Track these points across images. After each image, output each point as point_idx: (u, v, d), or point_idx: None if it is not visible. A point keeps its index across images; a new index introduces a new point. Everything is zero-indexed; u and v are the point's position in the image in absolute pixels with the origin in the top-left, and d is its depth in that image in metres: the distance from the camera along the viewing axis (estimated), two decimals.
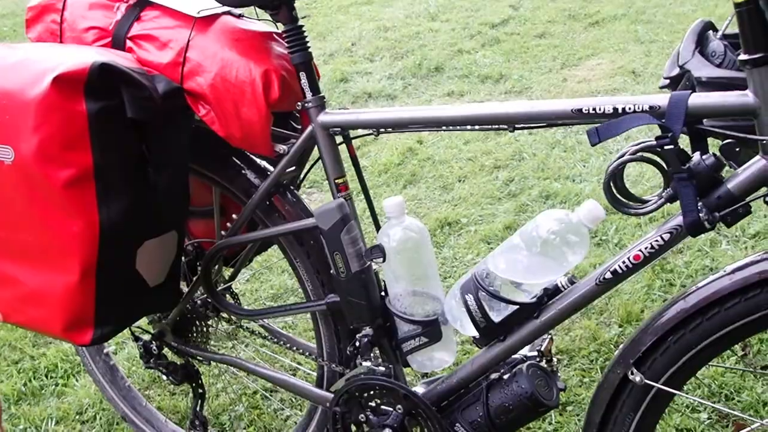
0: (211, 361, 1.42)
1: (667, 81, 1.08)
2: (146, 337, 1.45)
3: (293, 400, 1.72)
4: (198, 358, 1.43)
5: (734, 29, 0.89)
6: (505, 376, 1.13)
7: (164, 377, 1.46)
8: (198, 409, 1.46)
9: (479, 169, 2.73)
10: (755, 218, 2.13)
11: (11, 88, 1.01)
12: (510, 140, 2.90)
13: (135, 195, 1.09)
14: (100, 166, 1.03)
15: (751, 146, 0.88)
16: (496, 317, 1.07)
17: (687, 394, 1.59)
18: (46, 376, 1.91)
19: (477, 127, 1.04)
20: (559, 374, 1.19)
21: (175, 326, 1.40)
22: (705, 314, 0.93)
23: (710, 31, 1.06)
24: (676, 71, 1.05)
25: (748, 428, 1.13)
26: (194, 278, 1.35)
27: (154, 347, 1.43)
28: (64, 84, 0.99)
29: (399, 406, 1.17)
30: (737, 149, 0.89)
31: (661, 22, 3.95)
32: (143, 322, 1.44)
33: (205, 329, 1.42)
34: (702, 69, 1.00)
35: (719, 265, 1.97)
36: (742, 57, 0.83)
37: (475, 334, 1.10)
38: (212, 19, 1.16)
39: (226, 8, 1.17)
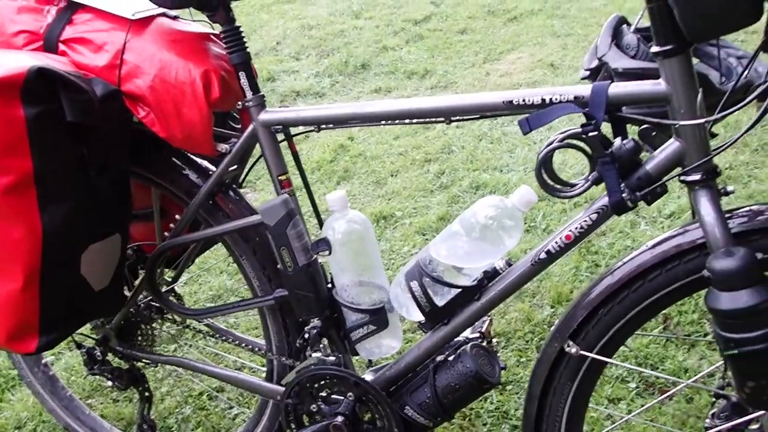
0: (159, 363, 1.43)
1: (588, 72, 1.15)
2: (89, 343, 1.44)
3: (240, 398, 1.74)
4: (145, 361, 1.42)
5: (645, 23, 0.97)
6: (450, 358, 1.18)
7: (109, 383, 1.45)
8: (145, 412, 1.46)
9: (410, 163, 2.79)
10: (670, 199, 2.26)
11: None
12: (439, 134, 2.97)
13: (77, 199, 1.08)
14: (40, 171, 1.03)
15: (666, 130, 0.96)
16: (440, 301, 1.12)
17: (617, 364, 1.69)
18: None
19: (415, 120, 1.09)
20: (498, 354, 1.26)
21: (119, 331, 1.40)
22: (630, 287, 1.01)
23: (624, 26, 1.13)
24: (595, 63, 1.12)
25: (671, 391, 1.22)
26: (137, 281, 1.35)
27: (98, 353, 1.42)
28: (1, 89, 0.98)
29: (350, 393, 1.21)
30: (653, 134, 0.96)
31: (575, 16, 4.11)
32: (85, 328, 1.43)
33: (150, 332, 1.42)
34: (618, 60, 1.07)
35: (640, 244, 2.09)
36: (654, 49, 0.90)
37: (421, 318, 1.15)
38: (148, 20, 1.16)
39: (161, 10, 1.18)
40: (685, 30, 0.85)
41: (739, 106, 0.89)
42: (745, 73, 0.95)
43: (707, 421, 1.09)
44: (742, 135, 0.91)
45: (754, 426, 1.03)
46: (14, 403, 1.80)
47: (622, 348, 1.49)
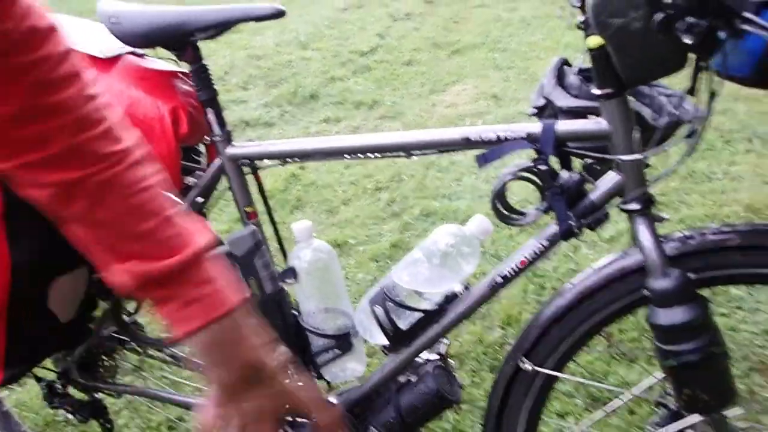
0: (122, 394, 1.44)
1: (535, 110, 1.24)
2: (50, 376, 1.45)
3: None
4: (107, 392, 1.44)
5: (586, 65, 1.06)
6: (413, 379, 1.24)
7: (70, 416, 1.45)
8: None
9: (362, 192, 2.87)
10: (609, 225, 2.38)
11: None
12: (389, 163, 3.06)
13: (46, 233, 1.11)
14: (9, 205, 1.05)
15: (607, 164, 1.06)
16: (403, 325, 1.18)
17: (565, 380, 1.78)
18: None
19: (379, 155, 1.16)
20: (456, 374, 1.32)
21: (81, 363, 1.41)
22: (578, 307, 1.09)
23: (566, 66, 1.23)
24: (541, 101, 1.21)
25: (613, 405, 1.31)
26: (99, 313, 1.36)
27: (59, 386, 1.43)
28: None
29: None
30: (597, 167, 1.06)
31: (515, 50, 4.29)
32: (45, 362, 1.44)
33: (111, 364, 1.43)
34: (562, 99, 1.16)
35: (582, 267, 2.20)
36: (596, 92, 1.00)
37: (385, 342, 1.21)
38: (115, 59, 1.20)
39: (129, 48, 1.22)
40: (623, 76, 0.95)
41: (669, 142, 0.98)
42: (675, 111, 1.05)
43: (648, 428, 1.19)
44: (673, 169, 1.02)
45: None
46: None
47: (571, 366, 1.59)
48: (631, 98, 1.09)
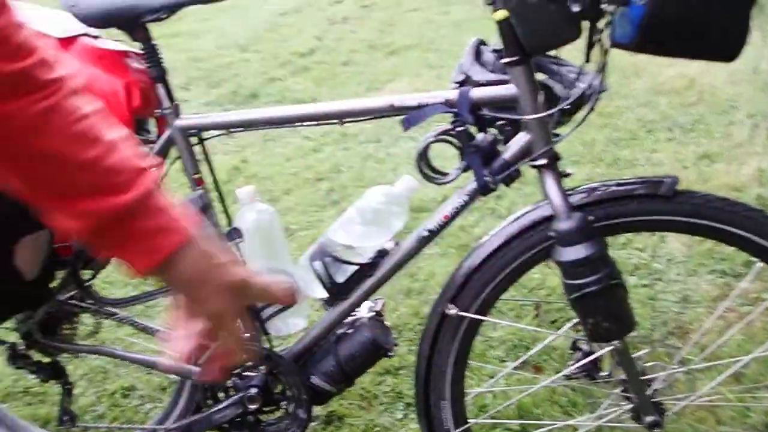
0: (81, 354, 1.51)
1: (456, 85, 1.38)
2: (12, 338, 1.51)
3: (152, 394, 1.83)
4: (67, 353, 1.51)
5: (500, 45, 1.21)
6: (350, 330, 1.36)
7: (31, 376, 1.52)
8: (66, 404, 1.54)
9: (303, 182, 2.97)
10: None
11: None
12: (328, 155, 3.17)
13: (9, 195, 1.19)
14: None
15: (518, 127, 1.20)
16: (340, 278, 1.30)
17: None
18: None
19: (313, 123, 1.28)
20: (391, 330, 1.44)
21: (42, 325, 1.48)
22: (496, 254, 1.23)
23: (483, 46, 1.38)
24: (461, 77, 1.35)
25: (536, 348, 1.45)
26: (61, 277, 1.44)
27: (21, 347, 1.50)
28: None
29: (262, 366, 1.36)
30: (508, 128, 1.20)
31: (447, 50, 4.46)
32: (7, 326, 1.50)
33: (71, 326, 1.51)
34: (479, 74, 1.30)
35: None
36: (504, 60, 1.14)
37: (324, 295, 1.32)
38: (73, 39, 1.29)
39: (85, 30, 1.31)
40: (526, 45, 1.09)
41: (562, 105, 1.13)
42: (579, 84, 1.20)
43: (566, 370, 1.34)
44: (572, 131, 1.17)
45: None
46: None
47: (492, 343, 1.73)
48: (543, 76, 1.25)
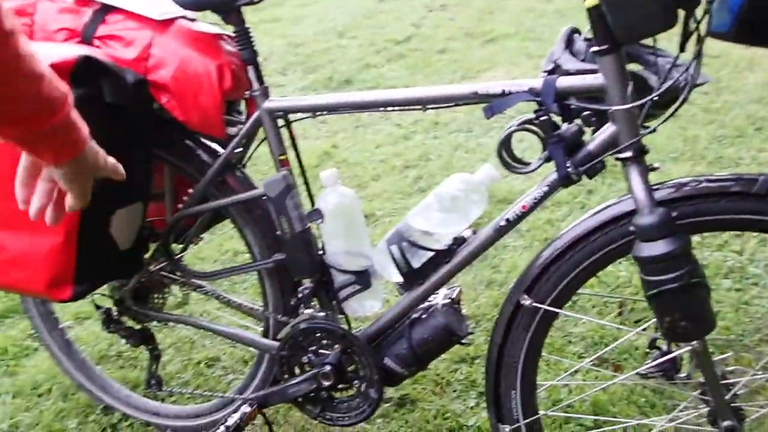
0: (169, 322, 1.60)
1: (545, 74, 1.36)
2: (108, 304, 1.61)
3: (235, 365, 1.91)
4: (156, 321, 1.60)
5: None
6: (424, 315, 1.37)
7: (123, 341, 1.62)
8: (154, 369, 1.63)
9: (391, 169, 3.00)
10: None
11: None
12: (417, 143, 3.18)
13: None
14: None
15: (604, 118, 1.17)
16: (416, 263, 1.31)
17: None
18: None
19: (397, 108, 1.29)
20: (470, 333, 1.43)
21: (134, 293, 1.57)
22: (575, 248, 1.21)
23: (575, 35, 1.35)
24: (551, 66, 1.32)
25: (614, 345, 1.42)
26: (152, 249, 1.52)
27: (115, 313, 1.60)
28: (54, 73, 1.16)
29: (337, 345, 1.40)
30: (593, 119, 1.17)
31: (548, 39, 4.37)
32: (101, 291, 1.60)
33: (161, 296, 1.60)
34: (570, 63, 1.28)
35: None
36: (594, 49, 1.12)
37: (400, 279, 1.34)
38: (170, 22, 1.35)
39: (182, 13, 1.37)
40: (616, 33, 1.06)
41: (651, 96, 1.09)
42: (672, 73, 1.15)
43: (641, 368, 1.30)
44: (662, 122, 1.13)
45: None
46: (29, 368, 1.96)
47: (571, 339, 1.70)
48: (638, 66, 1.21)
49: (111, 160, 0.99)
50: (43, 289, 1.28)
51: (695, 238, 2.19)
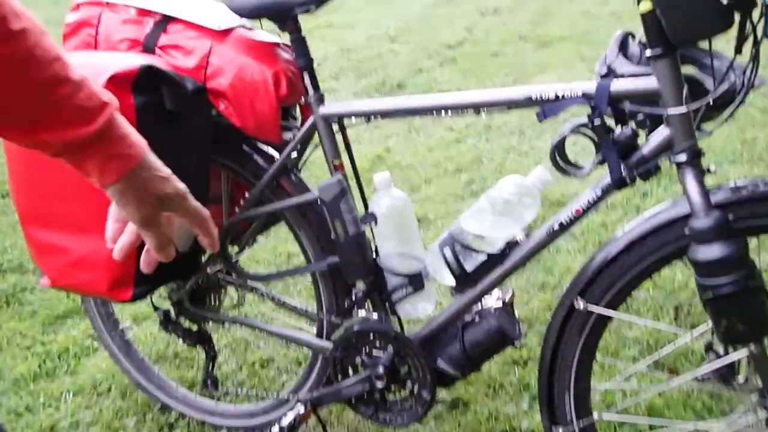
0: (225, 323, 1.65)
1: (599, 78, 1.36)
2: (166, 306, 1.67)
3: (289, 367, 1.95)
4: (213, 321, 1.65)
5: None
6: (477, 318, 1.38)
7: (180, 341, 1.68)
8: (210, 369, 1.68)
9: (443, 173, 3.01)
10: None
11: None
12: (470, 147, 3.19)
13: (172, 170, 1.31)
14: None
15: (659, 121, 1.16)
16: (469, 266, 1.32)
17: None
18: (59, 358, 2.09)
19: (450, 112, 1.31)
20: (522, 335, 1.43)
21: (191, 295, 1.63)
22: (629, 251, 1.20)
23: (630, 38, 1.34)
24: (605, 70, 1.32)
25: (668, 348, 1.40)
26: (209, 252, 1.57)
27: (173, 314, 1.65)
28: (117, 81, 1.22)
29: (390, 347, 1.42)
30: (647, 122, 1.16)
31: (603, 42, 4.24)
32: (159, 293, 1.65)
33: (217, 297, 1.64)
34: (624, 67, 1.27)
35: None
36: (648, 53, 1.11)
37: (452, 282, 1.35)
38: (228, 31, 1.40)
39: (240, 22, 1.41)
40: (671, 37, 1.06)
41: (706, 99, 1.08)
42: (729, 76, 1.14)
43: (697, 372, 1.28)
44: (718, 126, 1.11)
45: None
46: (90, 367, 2.04)
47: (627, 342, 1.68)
48: (693, 68, 1.20)
49: (195, 204, 0.93)
50: (105, 290, 1.33)
51: (754, 241, 2.15)
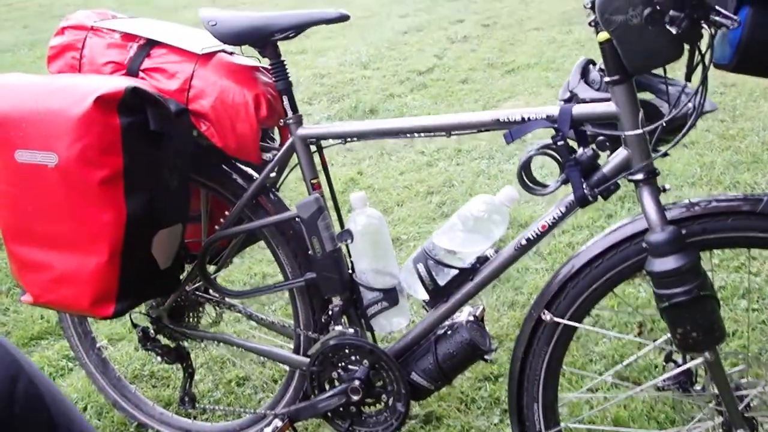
0: (204, 339, 1.68)
1: (562, 102, 1.44)
2: (145, 323, 1.70)
3: (265, 385, 1.98)
4: (192, 338, 1.68)
5: None
6: (449, 331, 1.44)
7: (158, 358, 1.70)
8: (188, 386, 1.71)
9: (415, 195, 3.08)
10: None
11: (58, 107, 1.28)
12: (441, 170, 3.27)
13: (154, 192, 1.36)
14: (128, 167, 1.30)
15: (617, 143, 1.24)
16: (442, 281, 1.38)
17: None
18: None
19: (422, 134, 1.37)
20: (493, 351, 1.49)
21: (170, 312, 1.66)
22: (592, 264, 1.27)
23: (591, 65, 1.42)
24: (567, 95, 1.40)
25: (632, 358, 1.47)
26: (188, 270, 1.61)
27: (152, 331, 1.68)
28: (103, 103, 1.26)
29: (365, 360, 1.46)
30: (607, 144, 1.24)
31: (568, 69, 4.41)
32: (139, 310, 1.68)
33: (196, 314, 1.68)
34: (585, 92, 1.35)
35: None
36: (606, 79, 1.19)
37: (426, 297, 1.41)
38: (211, 55, 1.46)
39: (222, 47, 1.47)
40: (627, 65, 1.14)
41: (659, 122, 1.16)
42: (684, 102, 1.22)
43: (656, 380, 1.35)
44: (671, 146, 1.20)
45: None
46: (65, 387, 2.04)
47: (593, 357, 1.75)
48: (650, 95, 1.28)
49: None
50: (87, 305, 1.36)
51: (713, 260, 2.25)
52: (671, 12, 1.00)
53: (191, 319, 1.70)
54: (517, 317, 2.18)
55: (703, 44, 1.09)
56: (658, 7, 1.01)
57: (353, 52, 5.45)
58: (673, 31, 1.01)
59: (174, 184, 1.41)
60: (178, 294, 1.63)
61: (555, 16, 5.76)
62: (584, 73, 1.39)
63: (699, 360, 1.21)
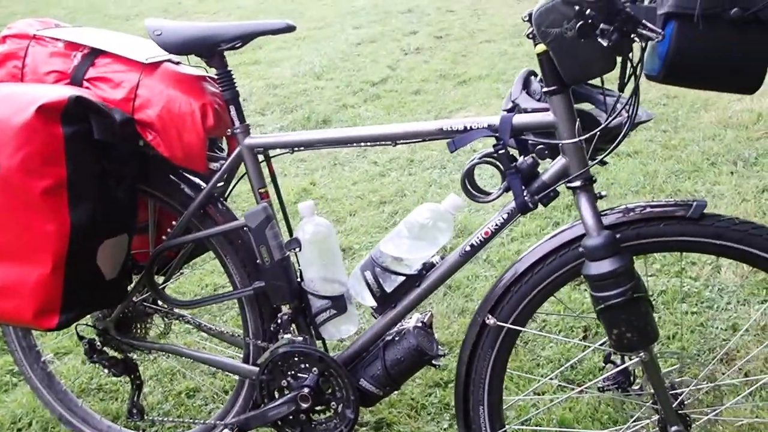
0: (152, 351, 1.67)
1: (505, 112, 1.48)
2: (91, 335, 1.68)
3: (215, 396, 1.97)
4: (140, 349, 1.66)
5: None
6: (397, 337, 1.46)
7: (105, 371, 1.68)
8: (136, 399, 1.69)
9: (367, 205, 3.10)
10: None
11: None
12: (393, 180, 3.30)
13: (99, 202, 1.35)
14: (72, 177, 1.29)
15: (556, 151, 1.28)
16: (389, 287, 1.40)
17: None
18: None
19: (369, 144, 1.40)
20: (443, 357, 1.51)
21: (117, 324, 1.64)
22: (533, 269, 1.31)
23: (532, 76, 1.47)
24: (510, 105, 1.45)
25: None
26: (135, 281, 1.60)
27: (98, 343, 1.66)
28: (46, 112, 1.25)
29: (314, 368, 1.47)
30: (546, 152, 1.28)
31: None
32: (85, 322, 1.66)
33: (143, 325, 1.66)
34: (526, 102, 1.39)
35: None
36: (545, 89, 1.23)
37: (373, 303, 1.43)
38: (157, 65, 1.45)
39: (167, 56, 1.47)
40: (564, 76, 1.18)
41: (595, 131, 1.20)
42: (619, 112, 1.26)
43: (596, 381, 1.39)
44: (607, 155, 1.24)
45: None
46: (9, 403, 2.00)
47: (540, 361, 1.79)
48: (589, 106, 1.33)
49: None
50: (30, 318, 1.34)
51: (655, 266, 2.32)
52: (602, 25, 1.04)
53: (139, 331, 1.68)
54: (467, 324, 2.19)
55: (636, 57, 1.14)
56: (589, 21, 1.05)
57: (307, 63, 5.46)
58: (604, 43, 1.06)
59: (119, 194, 1.40)
60: (126, 305, 1.62)
61: (506, 29, 5.87)
62: (526, 84, 1.44)
63: (635, 360, 1.25)
